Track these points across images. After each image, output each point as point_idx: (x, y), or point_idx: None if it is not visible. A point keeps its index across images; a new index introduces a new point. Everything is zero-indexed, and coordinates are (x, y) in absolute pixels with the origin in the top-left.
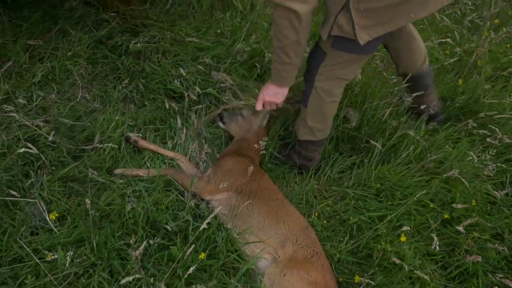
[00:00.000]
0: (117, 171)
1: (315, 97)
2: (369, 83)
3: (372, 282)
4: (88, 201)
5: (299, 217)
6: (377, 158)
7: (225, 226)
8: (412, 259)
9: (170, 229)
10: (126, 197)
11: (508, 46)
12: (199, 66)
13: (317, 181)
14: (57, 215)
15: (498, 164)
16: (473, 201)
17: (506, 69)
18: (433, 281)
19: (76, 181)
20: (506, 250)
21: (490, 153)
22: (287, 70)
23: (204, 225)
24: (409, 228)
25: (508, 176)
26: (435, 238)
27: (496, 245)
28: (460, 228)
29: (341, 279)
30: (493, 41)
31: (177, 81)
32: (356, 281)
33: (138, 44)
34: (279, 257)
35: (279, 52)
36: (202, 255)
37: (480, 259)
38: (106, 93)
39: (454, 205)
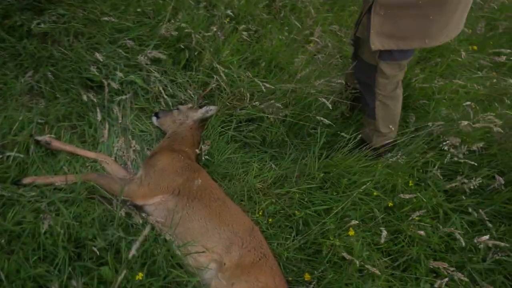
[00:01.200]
0: (26, 180)
1: (381, 107)
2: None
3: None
4: None
5: (243, 217)
6: (320, 147)
7: (163, 236)
8: (360, 251)
9: (97, 248)
10: (41, 214)
11: None
12: (120, 50)
13: (260, 180)
14: None
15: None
16: (410, 181)
17: (431, 51)
18: (383, 274)
19: None
20: (441, 227)
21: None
22: None
23: (136, 247)
24: (357, 221)
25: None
26: (384, 232)
27: (439, 225)
28: (411, 230)
29: (290, 278)
30: None
31: (94, 67)
32: (306, 279)
33: (43, 25)
34: (225, 264)
35: None
36: (140, 275)
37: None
38: (6, 85)
39: (401, 195)
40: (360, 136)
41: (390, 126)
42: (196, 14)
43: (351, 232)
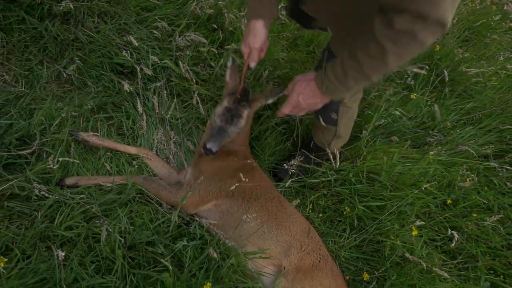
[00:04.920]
0: (69, 180)
1: (344, 113)
2: None
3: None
4: (60, 253)
5: (300, 217)
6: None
7: (221, 240)
8: (420, 250)
9: (162, 254)
10: (91, 217)
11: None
12: (155, 32)
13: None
14: (6, 259)
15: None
16: (467, 179)
17: (475, 30)
18: (451, 277)
19: (15, 198)
20: (501, 229)
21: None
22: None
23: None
24: (423, 222)
25: (491, 147)
26: (456, 236)
27: (492, 217)
28: (469, 228)
29: (347, 277)
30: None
31: (126, 52)
32: (365, 278)
33: (64, 3)
34: (284, 268)
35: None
36: (208, 285)
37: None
38: (31, 72)
39: (461, 183)
40: (312, 143)
41: (350, 128)
42: None
43: (414, 232)
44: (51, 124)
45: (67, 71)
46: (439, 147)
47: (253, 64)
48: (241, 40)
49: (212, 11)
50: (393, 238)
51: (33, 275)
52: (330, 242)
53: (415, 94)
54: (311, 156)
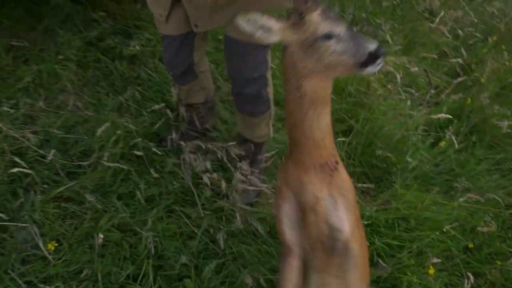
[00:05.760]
0: None
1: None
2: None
3: None
4: (101, 236)
5: None
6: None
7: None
8: None
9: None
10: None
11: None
12: None
13: None
14: (56, 244)
15: None
16: (491, 225)
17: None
18: None
19: (71, 201)
20: None
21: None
22: None
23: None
24: (439, 259)
25: None
26: (471, 277)
27: None
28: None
29: None
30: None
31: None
32: None
33: (133, 47)
34: None
35: None
36: None
37: None
38: (99, 101)
39: (479, 229)
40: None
41: None
42: None
43: (431, 271)
44: (108, 141)
45: (126, 99)
46: (469, 194)
47: None
48: None
49: None
50: (410, 275)
51: (75, 264)
52: None
53: (444, 142)
54: None
